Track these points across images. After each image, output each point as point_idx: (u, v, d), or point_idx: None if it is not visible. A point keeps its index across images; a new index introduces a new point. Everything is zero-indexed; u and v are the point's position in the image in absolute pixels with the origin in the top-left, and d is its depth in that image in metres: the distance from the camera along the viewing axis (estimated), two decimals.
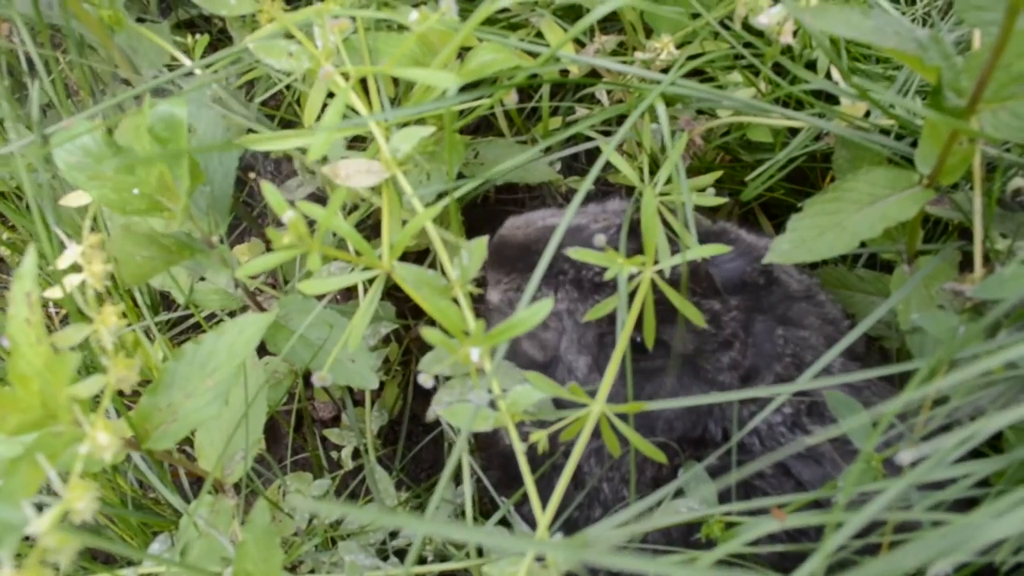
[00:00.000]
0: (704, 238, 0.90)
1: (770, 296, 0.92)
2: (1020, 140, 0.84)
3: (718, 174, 0.98)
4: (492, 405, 0.76)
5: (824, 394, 0.83)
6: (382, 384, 1.36)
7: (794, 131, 1.14)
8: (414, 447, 1.34)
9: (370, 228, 1.39)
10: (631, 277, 0.78)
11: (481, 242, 0.82)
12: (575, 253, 0.76)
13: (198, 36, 1.13)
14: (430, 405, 0.95)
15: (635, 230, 0.82)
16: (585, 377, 0.95)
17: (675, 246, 0.87)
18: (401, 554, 1.14)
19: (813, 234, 0.80)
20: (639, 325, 0.79)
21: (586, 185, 0.80)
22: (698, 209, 1.02)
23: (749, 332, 0.90)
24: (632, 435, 0.71)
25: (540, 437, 0.72)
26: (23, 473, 0.64)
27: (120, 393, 1.29)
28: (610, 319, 0.82)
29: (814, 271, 1.11)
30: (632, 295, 0.79)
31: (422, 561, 1.09)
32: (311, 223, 0.70)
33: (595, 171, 0.81)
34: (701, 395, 0.86)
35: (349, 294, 1.39)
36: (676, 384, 0.91)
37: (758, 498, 0.79)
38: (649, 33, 1.18)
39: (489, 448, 1.23)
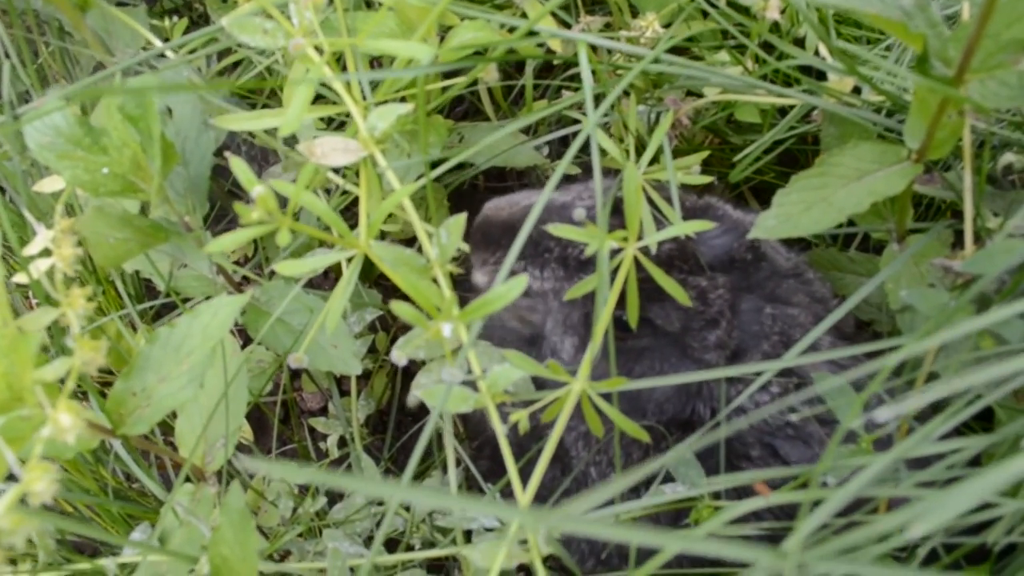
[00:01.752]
0: (689, 214, 0.88)
1: (758, 273, 0.90)
2: (1008, 109, 0.83)
3: (704, 154, 0.97)
4: (474, 387, 0.74)
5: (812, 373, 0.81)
6: (370, 373, 1.35)
7: (783, 112, 1.13)
8: (403, 436, 1.33)
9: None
10: (614, 253, 0.76)
11: (459, 219, 0.80)
12: (555, 229, 0.74)
13: (175, 19, 1.11)
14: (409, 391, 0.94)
15: (619, 208, 0.80)
16: (572, 359, 0.93)
17: (661, 224, 0.85)
18: (388, 544, 1.13)
19: (799, 209, 0.78)
20: (623, 303, 0.78)
21: (565, 162, 0.78)
22: (686, 187, 1.01)
23: (736, 310, 0.89)
24: (613, 413, 0.69)
25: (520, 417, 0.70)
26: None
27: (101, 384, 1.27)
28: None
29: (805, 252, 1.10)
30: (616, 273, 0.77)
31: (408, 549, 1.07)
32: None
33: (574, 148, 0.79)
34: (687, 373, 0.84)
35: (337, 279, 1.37)
36: (664, 364, 0.89)
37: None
38: (635, 14, 1.16)
39: (479, 436, 1.21)
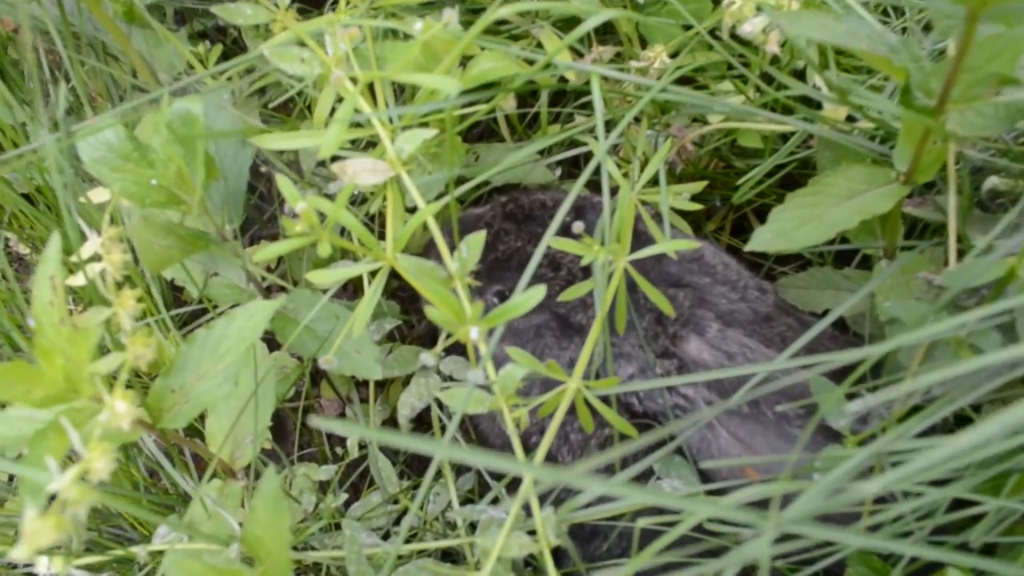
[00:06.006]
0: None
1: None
2: (985, 137, 0.89)
3: (701, 185, 1.04)
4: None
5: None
6: (385, 381, 1.41)
7: (785, 138, 1.19)
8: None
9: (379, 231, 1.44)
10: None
11: (479, 236, 0.87)
12: (555, 243, 0.81)
13: (211, 45, 1.19)
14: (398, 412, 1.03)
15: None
16: None
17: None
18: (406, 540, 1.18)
19: (794, 224, 0.84)
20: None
21: (577, 186, 0.85)
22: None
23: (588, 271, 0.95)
24: (604, 409, 0.75)
25: (521, 414, 0.77)
26: (49, 440, 0.69)
27: (136, 378, 1.33)
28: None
29: (801, 272, 1.16)
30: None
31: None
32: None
33: (587, 173, 0.85)
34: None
35: (356, 292, 1.44)
36: (552, 337, 0.96)
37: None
38: (644, 45, 1.23)
39: (484, 443, 1.28)
